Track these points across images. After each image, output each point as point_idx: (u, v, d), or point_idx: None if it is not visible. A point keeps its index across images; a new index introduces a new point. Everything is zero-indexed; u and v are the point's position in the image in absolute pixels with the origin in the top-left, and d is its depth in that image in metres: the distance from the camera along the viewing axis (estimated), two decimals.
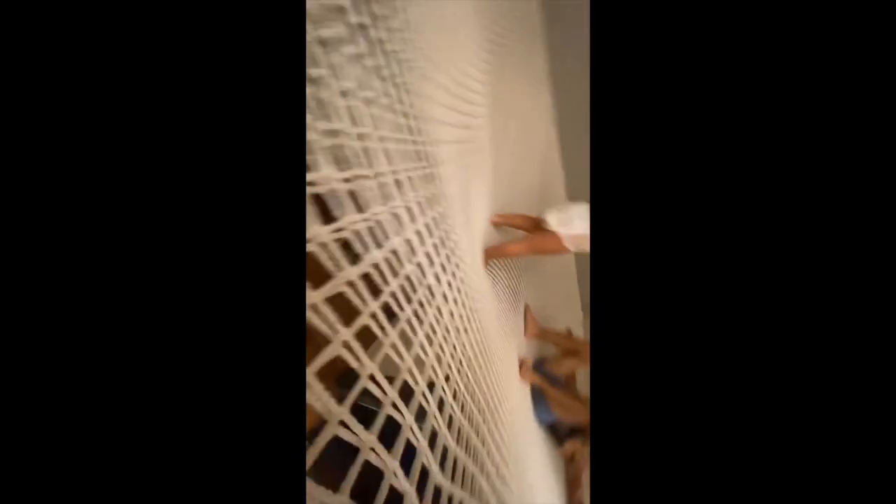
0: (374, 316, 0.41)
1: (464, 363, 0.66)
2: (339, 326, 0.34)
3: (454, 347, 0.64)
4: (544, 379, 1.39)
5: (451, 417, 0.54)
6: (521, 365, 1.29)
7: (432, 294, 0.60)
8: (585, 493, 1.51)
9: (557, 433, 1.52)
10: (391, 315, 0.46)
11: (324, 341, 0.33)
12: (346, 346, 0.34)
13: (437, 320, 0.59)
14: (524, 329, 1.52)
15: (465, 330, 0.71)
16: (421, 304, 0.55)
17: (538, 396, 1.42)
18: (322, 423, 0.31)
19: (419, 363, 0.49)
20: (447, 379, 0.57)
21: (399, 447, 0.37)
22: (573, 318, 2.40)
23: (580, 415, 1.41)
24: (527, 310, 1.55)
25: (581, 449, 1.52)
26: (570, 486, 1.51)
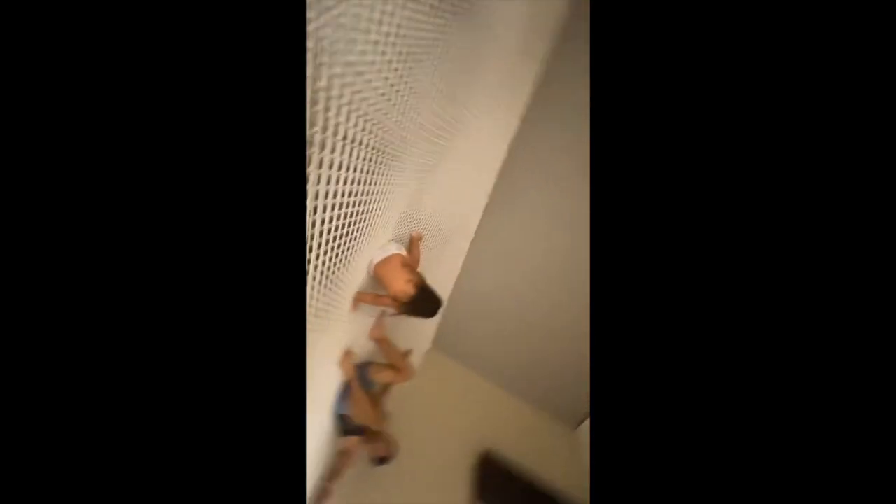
0: None
1: None
2: None
3: None
4: (358, 377, 1.51)
5: None
6: (345, 355, 1.38)
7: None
8: (336, 486, 1.64)
9: (345, 426, 1.64)
10: None
11: None
12: None
13: None
14: (371, 329, 1.63)
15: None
16: None
17: (346, 389, 1.53)
18: None
19: None
20: None
21: None
22: (419, 347, 2.60)
23: (370, 421, 1.55)
24: (380, 315, 1.66)
25: (356, 447, 1.65)
26: (330, 474, 1.63)
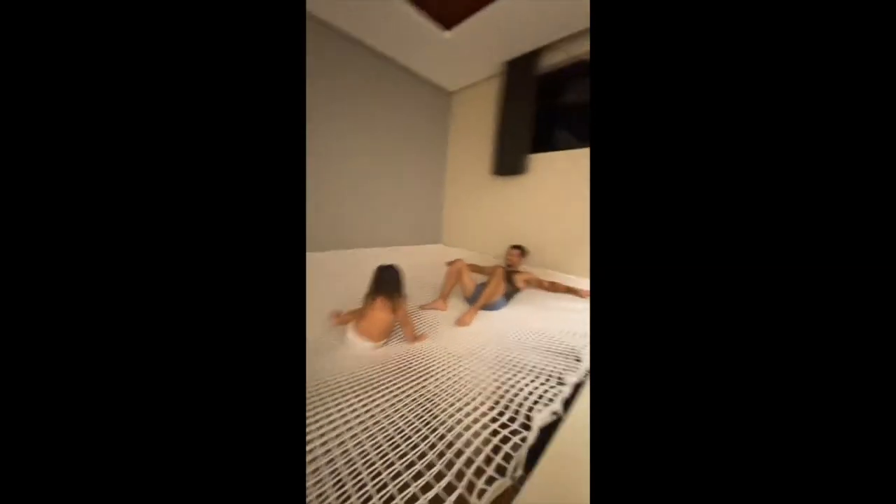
0: None
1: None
2: None
3: None
4: (476, 302, 1.82)
5: None
6: (462, 321, 1.67)
7: None
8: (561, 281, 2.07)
9: (514, 293, 2.02)
10: None
11: None
12: None
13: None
14: (439, 307, 1.90)
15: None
16: None
17: (489, 308, 1.87)
18: None
19: None
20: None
21: None
22: (448, 254, 2.90)
23: (500, 276, 1.90)
24: (425, 307, 1.90)
25: (522, 275, 2.05)
26: (552, 287, 2.04)
